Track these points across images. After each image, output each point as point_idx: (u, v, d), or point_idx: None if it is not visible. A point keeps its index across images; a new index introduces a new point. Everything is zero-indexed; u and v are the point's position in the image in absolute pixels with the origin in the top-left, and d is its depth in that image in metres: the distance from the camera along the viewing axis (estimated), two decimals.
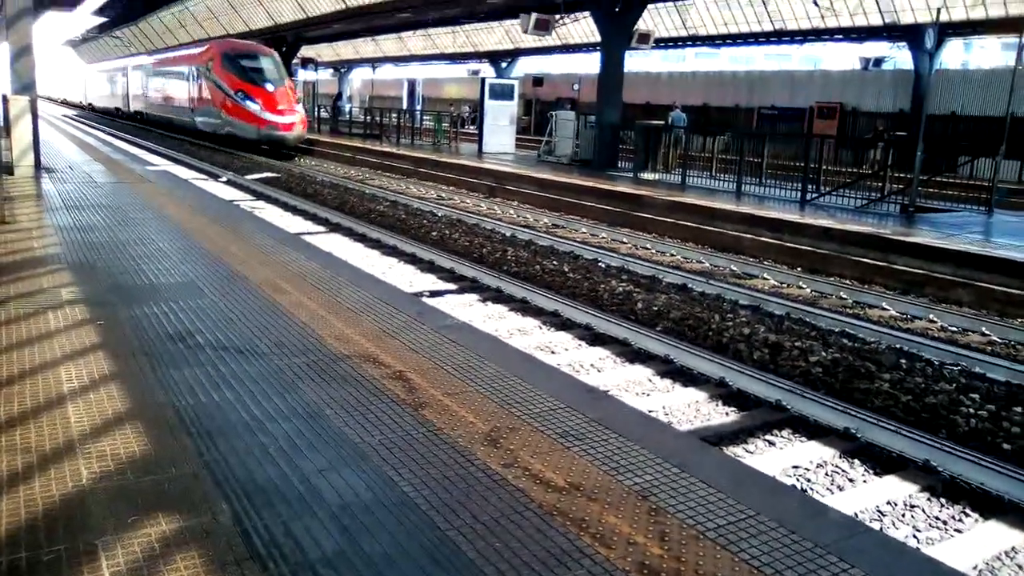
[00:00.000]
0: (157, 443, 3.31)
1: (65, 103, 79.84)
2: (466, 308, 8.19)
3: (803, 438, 5.38)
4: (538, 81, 40.24)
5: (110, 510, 2.75)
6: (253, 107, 24.90)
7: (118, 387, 3.89)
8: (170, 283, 5.98)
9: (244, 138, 25.50)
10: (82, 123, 39.07)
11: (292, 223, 12.90)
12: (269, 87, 25.64)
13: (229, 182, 18.33)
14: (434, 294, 8.67)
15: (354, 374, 4.15)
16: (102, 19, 64.88)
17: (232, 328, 4.90)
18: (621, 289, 9.05)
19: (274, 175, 20.09)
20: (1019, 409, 5.87)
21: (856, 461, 5.05)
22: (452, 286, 9.11)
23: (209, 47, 28.73)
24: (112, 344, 4.53)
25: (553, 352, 6.98)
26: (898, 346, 7.25)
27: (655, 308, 8.35)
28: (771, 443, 5.31)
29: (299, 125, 26.00)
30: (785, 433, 5.45)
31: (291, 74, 32.84)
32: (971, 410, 5.88)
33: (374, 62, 57.17)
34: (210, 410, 3.65)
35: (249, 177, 19.18)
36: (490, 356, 4.57)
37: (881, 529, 4.24)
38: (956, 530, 4.32)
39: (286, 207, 14.77)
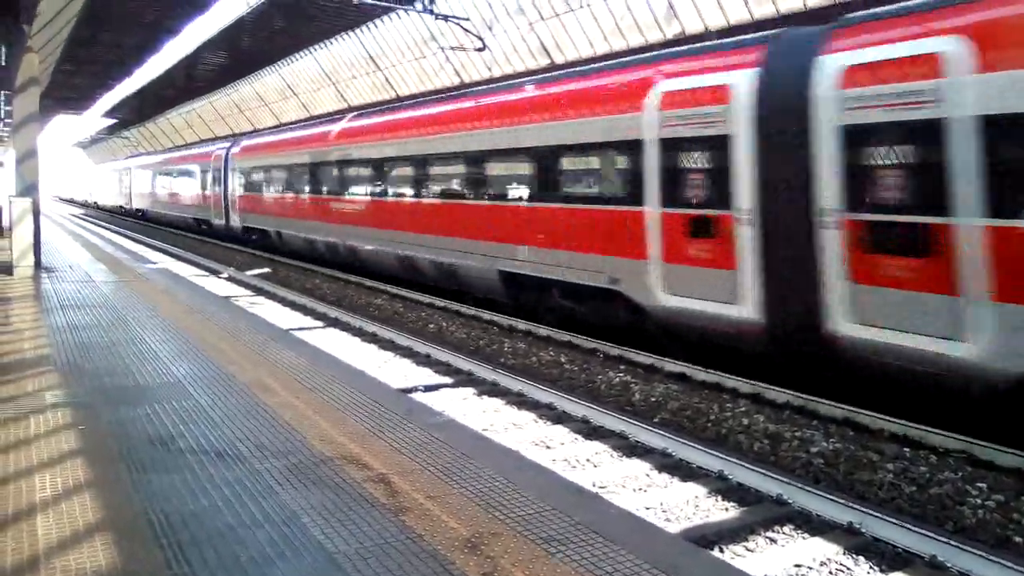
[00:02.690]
0: (126, 556, 3.18)
1: (72, 201, 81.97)
2: (461, 403, 8.08)
3: (805, 534, 5.21)
4: None
5: None
6: None
7: (92, 496, 3.78)
8: (157, 384, 5.91)
9: None
10: (88, 221, 39.69)
11: (289, 319, 12.90)
12: None
13: (230, 279, 18.44)
14: (429, 388, 8.58)
15: (335, 477, 4.04)
16: (111, 120, 67.08)
17: (216, 431, 4.81)
18: (619, 380, 8.93)
19: (272, 271, 20.24)
20: None
21: (861, 558, 4.87)
22: (448, 380, 9.02)
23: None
24: (91, 450, 4.44)
25: (548, 447, 6.84)
26: (902, 434, 7.09)
27: (653, 399, 8.23)
28: (772, 540, 5.13)
29: None
30: (787, 529, 5.28)
31: None
32: (978, 500, 5.69)
33: None
34: (184, 518, 3.53)
35: (249, 273, 19.31)
36: (477, 455, 4.45)
37: None
38: None
39: (284, 302, 14.80)
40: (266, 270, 20.20)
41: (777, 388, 8.22)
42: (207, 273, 19.35)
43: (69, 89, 50.04)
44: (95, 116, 67.11)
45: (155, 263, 16.84)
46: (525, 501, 3.80)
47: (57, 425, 4.88)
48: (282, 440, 4.63)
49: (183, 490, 3.86)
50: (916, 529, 5.01)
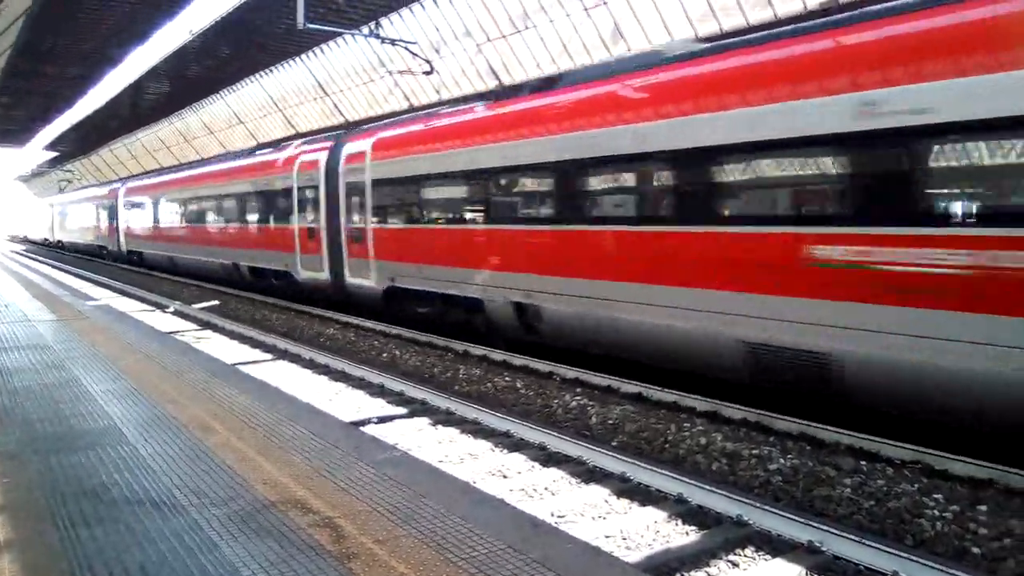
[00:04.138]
0: None
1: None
2: (415, 434, 7.89)
3: (767, 555, 5.13)
4: None
5: None
6: None
7: (12, 557, 3.52)
8: (92, 429, 5.62)
9: None
10: (30, 257, 38.57)
11: (236, 352, 12.55)
12: None
13: (176, 312, 17.97)
14: (382, 420, 8.36)
15: (279, 524, 3.84)
16: (53, 153, 65.51)
17: (152, 478, 4.57)
18: (575, 403, 8.83)
19: (219, 303, 19.79)
20: (984, 508, 5.70)
21: None
22: (401, 410, 8.81)
23: None
24: (15, 505, 4.17)
25: (505, 476, 6.69)
26: (857, 446, 7.09)
27: (610, 422, 8.14)
28: (734, 564, 5.04)
29: None
30: (748, 551, 5.19)
31: None
32: (935, 512, 5.69)
33: None
34: None
35: (196, 306, 18.85)
36: (429, 492, 4.29)
37: None
38: None
39: (232, 335, 14.42)
40: (214, 303, 19.75)
41: (734, 405, 8.20)
42: (152, 308, 18.83)
43: (8, 121, 48.81)
44: (36, 149, 65.57)
45: (97, 299, 16.33)
46: (480, 540, 3.65)
47: None
48: (223, 486, 4.41)
49: (116, 546, 3.63)
50: (876, 545, 4.96)
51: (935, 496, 5.92)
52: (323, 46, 31.84)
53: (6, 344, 9.35)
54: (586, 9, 22.46)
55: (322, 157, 16.32)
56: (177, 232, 26.14)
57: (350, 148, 15.34)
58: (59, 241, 50.15)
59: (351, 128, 18.70)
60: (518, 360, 10.91)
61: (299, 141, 19.17)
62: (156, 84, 39.34)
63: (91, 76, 37.56)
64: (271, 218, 18.85)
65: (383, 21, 26.96)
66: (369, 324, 14.65)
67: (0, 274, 22.59)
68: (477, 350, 11.71)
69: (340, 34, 26.78)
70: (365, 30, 23.79)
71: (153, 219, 28.80)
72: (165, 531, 3.79)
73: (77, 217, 42.55)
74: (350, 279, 15.40)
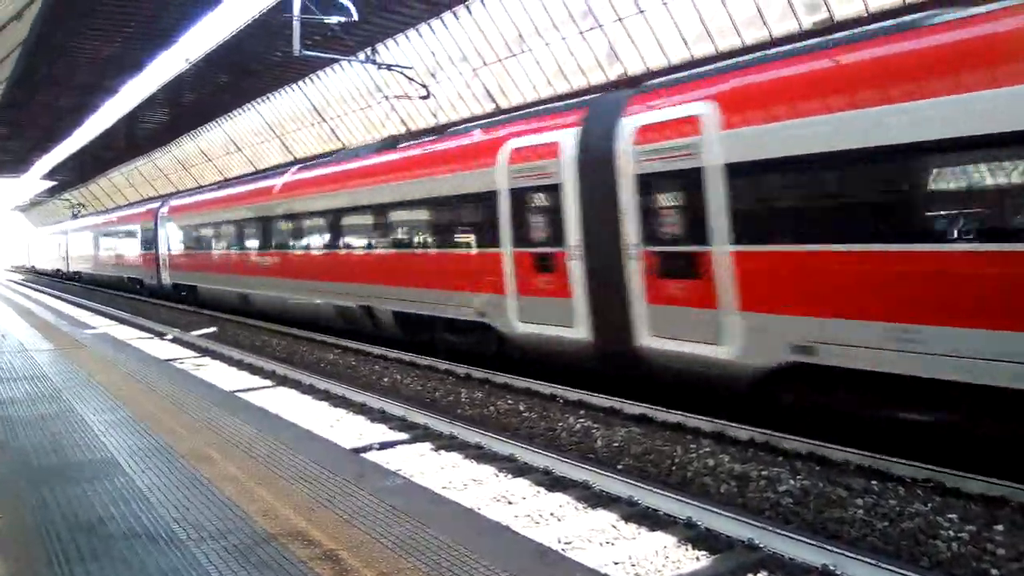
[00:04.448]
0: None
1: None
2: (417, 460, 7.77)
3: None
4: None
5: None
6: None
7: None
8: (88, 461, 5.51)
9: None
10: (28, 286, 38.49)
11: (235, 380, 12.43)
12: None
13: (175, 340, 17.85)
14: (384, 446, 8.25)
15: (279, 558, 3.72)
16: (51, 183, 65.64)
17: (150, 511, 4.45)
18: (579, 426, 8.71)
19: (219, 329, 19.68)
20: (1000, 528, 5.58)
21: None
22: (403, 436, 8.69)
23: None
24: (7, 541, 4.05)
25: (510, 502, 6.56)
26: (867, 465, 6.98)
27: (616, 444, 8.02)
28: None
29: None
30: None
31: None
32: (951, 533, 5.56)
33: None
34: None
35: (195, 333, 18.74)
36: (432, 521, 4.18)
37: None
38: None
39: (231, 362, 14.30)
40: (213, 329, 19.63)
41: (740, 425, 8.09)
42: (151, 335, 18.73)
43: (5, 152, 48.92)
44: (34, 178, 65.71)
45: (96, 328, 16.24)
46: (487, 570, 3.54)
47: None
48: (222, 518, 4.29)
49: None
50: (892, 568, 4.84)
51: (949, 516, 5.80)
52: (320, 72, 31.96)
53: (2, 375, 9.24)
54: (581, 32, 22.55)
55: (565, 138, 10.14)
56: (258, 261, 19.45)
57: (646, 116, 9.09)
58: (76, 273, 43.30)
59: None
60: (520, 382, 10.80)
61: (488, 121, 13.16)
62: (153, 113, 39.46)
63: (88, 106, 37.65)
64: (447, 238, 12.53)
65: (379, 47, 27.08)
66: (369, 348, 14.52)
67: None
68: (478, 373, 11.59)
69: (337, 60, 26.89)
70: (361, 56, 23.86)
71: (214, 244, 22.62)
72: (162, 566, 3.68)
73: (100, 244, 35.77)
74: (655, 343, 9.06)
